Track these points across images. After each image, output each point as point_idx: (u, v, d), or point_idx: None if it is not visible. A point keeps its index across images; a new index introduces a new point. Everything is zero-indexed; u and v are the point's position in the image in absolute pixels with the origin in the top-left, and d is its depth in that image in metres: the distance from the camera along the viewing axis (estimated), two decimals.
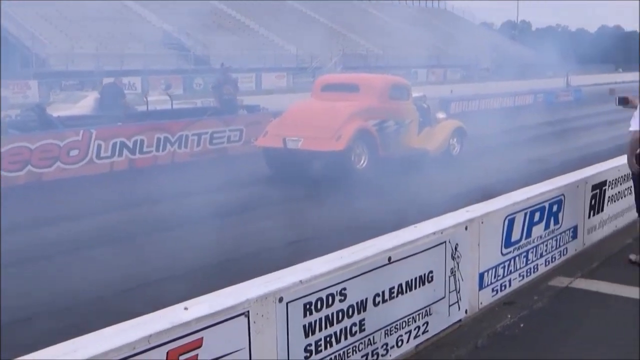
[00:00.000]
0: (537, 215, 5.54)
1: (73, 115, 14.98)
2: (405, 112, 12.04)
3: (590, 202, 6.51)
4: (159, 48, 43.46)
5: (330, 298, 3.57)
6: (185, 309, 2.98)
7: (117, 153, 11.72)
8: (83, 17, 44.03)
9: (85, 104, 16.84)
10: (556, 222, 5.87)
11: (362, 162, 11.03)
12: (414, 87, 15.26)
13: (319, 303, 3.51)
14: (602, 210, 6.78)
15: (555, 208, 5.83)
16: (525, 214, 5.37)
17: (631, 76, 44.29)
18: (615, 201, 7.05)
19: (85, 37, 41.46)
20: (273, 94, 37.10)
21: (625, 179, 7.13)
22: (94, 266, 6.75)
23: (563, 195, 5.93)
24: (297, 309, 3.38)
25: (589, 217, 6.51)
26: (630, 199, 7.31)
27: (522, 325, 4.69)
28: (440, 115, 13.52)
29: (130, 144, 11.90)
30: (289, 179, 11.08)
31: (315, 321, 3.51)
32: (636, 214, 6.07)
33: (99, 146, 11.48)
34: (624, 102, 6.22)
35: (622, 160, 7.12)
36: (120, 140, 11.76)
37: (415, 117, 12.31)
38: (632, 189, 7.26)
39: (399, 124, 11.89)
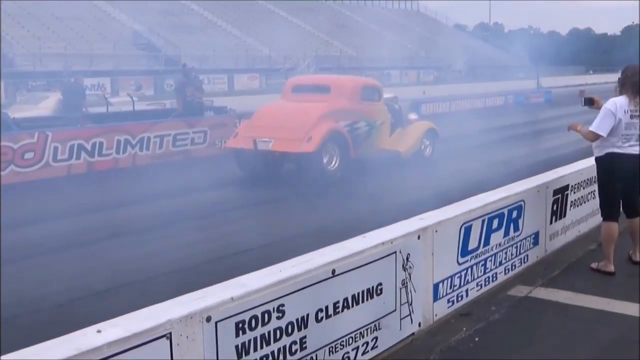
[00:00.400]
0: (495, 222, 5.35)
1: (34, 116, 14.61)
2: (376, 113, 11.92)
3: (552, 207, 6.34)
4: (129, 48, 42.90)
5: (266, 315, 3.32)
6: (99, 331, 2.71)
7: (74, 156, 11.36)
8: (51, 16, 43.33)
9: (47, 104, 16.41)
10: (516, 228, 5.68)
11: (333, 163, 10.92)
12: (387, 89, 15.24)
13: (253, 321, 3.25)
14: (565, 215, 6.61)
15: (515, 214, 5.64)
16: (483, 221, 5.17)
17: (603, 78, 44.78)
18: (578, 206, 6.90)
19: (54, 36, 40.81)
20: (245, 95, 36.95)
21: (588, 182, 6.98)
22: (51, 273, 6.46)
23: (523, 200, 5.74)
24: (227, 328, 3.13)
25: (551, 222, 6.34)
26: (594, 203, 7.18)
27: (476, 338, 4.49)
28: (412, 116, 13.41)
29: (88, 147, 11.54)
30: (260, 180, 10.91)
31: (250, 341, 3.25)
32: (600, 219, 5.91)
33: (56, 149, 11.11)
34: (590, 102, 6.12)
35: (585, 163, 7.00)
36: (78, 143, 11.41)
37: (387, 118, 12.20)
38: (596, 192, 7.16)
39: (371, 125, 11.78)
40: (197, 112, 16.16)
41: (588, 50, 62.90)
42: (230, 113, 16.60)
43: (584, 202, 7.00)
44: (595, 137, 5.55)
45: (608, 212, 5.78)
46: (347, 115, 11.31)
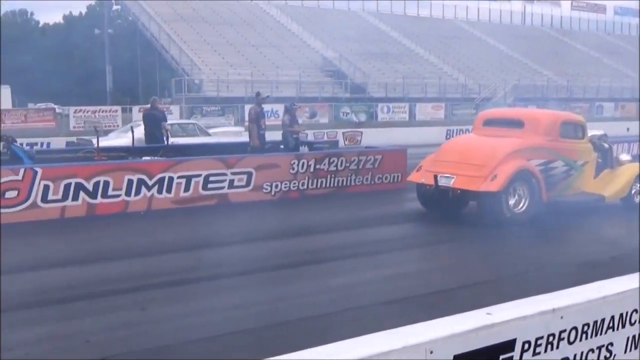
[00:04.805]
0: None
1: (109, 146, 13.63)
2: (578, 152, 10.87)
3: None
4: (317, 75, 42.36)
5: None
6: None
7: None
8: (247, 43, 44.38)
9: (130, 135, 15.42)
10: None
11: (521, 205, 9.98)
12: (596, 124, 14.20)
13: None
14: None
15: None
16: None
17: None
18: None
19: (246, 63, 41.55)
20: (424, 126, 34.58)
21: (561, 337, 3.69)
22: None
23: None
24: None
25: None
26: None
27: None
28: (624, 157, 12.23)
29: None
30: (435, 219, 10.41)
31: None
32: None
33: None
34: None
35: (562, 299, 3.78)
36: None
37: (592, 158, 11.14)
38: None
39: (570, 166, 10.74)
40: (294, 148, 14.23)
41: None
42: (324, 149, 14.28)
43: None
44: None
45: None
46: (542, 154, 10.37)
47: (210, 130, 17.40)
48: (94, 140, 13.00)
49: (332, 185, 12.19)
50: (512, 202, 9.87)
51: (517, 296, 3.95)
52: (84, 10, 66.88)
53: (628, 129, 30.45)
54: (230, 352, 5.04)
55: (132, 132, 13.40)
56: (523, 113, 12.13)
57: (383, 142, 19.52)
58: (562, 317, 3.60)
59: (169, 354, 4.99)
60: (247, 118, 35.57)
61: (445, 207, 10.43)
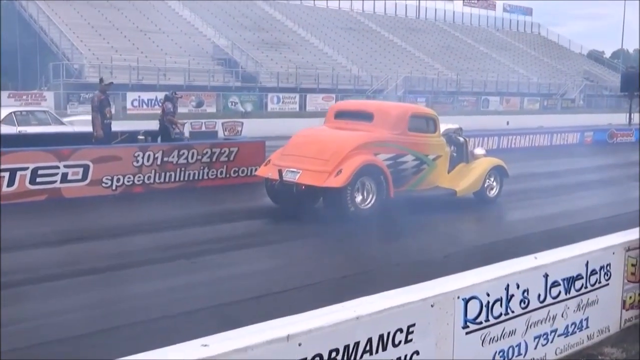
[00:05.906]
0: None
1: None
2: (429, 146, 10.50)
3: None
4: (206, 63, 41.21)
5: None
6: None
7: None
8: (135, 28, 42.63)
9: None
10: None
11: (368, 201, 9.55)
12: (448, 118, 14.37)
13: None
14: None
15: None
16: None
17: None
18: None
19: (132, 48, 39.87)
20: (317, 117, 34.05)
21: None
22: None
23: None
24: None
25: None
26: None
27: None
28: (479, 151, 11.98)
29: None
30: (284, 215, 9.85)
31: None
32: None
33: None
34: None
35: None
36: None
37: (444, 152, 10.81)
38: None
39: (421, 160, 10.37)
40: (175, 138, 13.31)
41: None
42: (183, 140, 13.45)
43: None
44: None
45: None
46: (390, 148, 9.97)
47: (67, 119, 16.17)
48: None
49: (181, 179, 11.41)
50: (359, 197, 9.47)
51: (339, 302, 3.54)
52: None
53: (508, 123, 31.26)
54: None
55: None
56: (373, 106, 11.78)
57: (268, 133, 18.91)
58: (300, 345, 3.07)
59: None
60: (130, 106, 34.05)
61: (294, 202, 9.85)
